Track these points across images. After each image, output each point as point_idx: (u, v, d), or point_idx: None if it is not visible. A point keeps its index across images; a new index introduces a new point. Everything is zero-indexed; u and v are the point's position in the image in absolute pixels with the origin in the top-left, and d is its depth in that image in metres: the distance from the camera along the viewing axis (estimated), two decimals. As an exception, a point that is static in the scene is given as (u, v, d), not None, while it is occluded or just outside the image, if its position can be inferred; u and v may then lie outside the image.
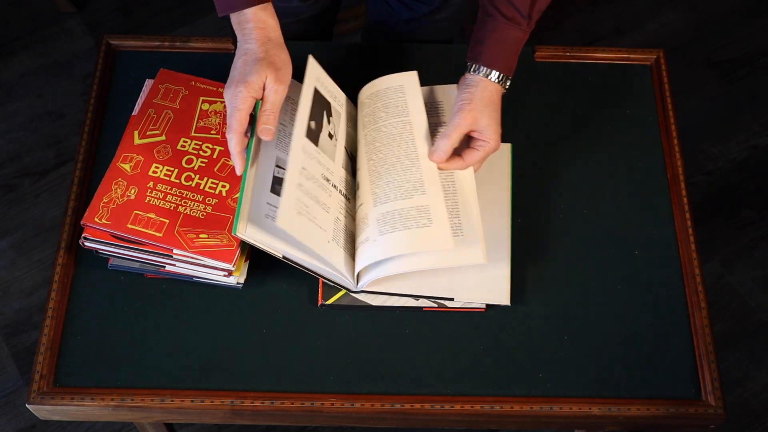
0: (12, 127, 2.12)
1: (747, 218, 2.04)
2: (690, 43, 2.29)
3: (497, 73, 1.14)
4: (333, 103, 1.19)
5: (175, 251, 1.10)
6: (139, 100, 1.24)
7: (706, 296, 1.17)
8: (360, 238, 1.11)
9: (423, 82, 1.23)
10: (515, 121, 1.30)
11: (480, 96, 1.13)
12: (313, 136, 1.13)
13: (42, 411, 1.10)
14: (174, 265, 1.13)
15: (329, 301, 1.14)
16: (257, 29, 1.10)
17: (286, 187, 1.05)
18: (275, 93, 1.09)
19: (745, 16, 2.34)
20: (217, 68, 1.31)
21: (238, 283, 1.14)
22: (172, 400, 1.08)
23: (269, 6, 1.11)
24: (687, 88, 2.20)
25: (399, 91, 1.19)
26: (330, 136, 1.16)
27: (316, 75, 1.17)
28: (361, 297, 1.14)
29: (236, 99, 1.08)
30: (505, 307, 1.15)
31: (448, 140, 1.13)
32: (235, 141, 1.08)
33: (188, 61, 1.33)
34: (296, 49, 1.34)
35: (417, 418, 1.10)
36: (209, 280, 1.14)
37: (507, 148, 1.25)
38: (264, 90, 1.09)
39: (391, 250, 1.08)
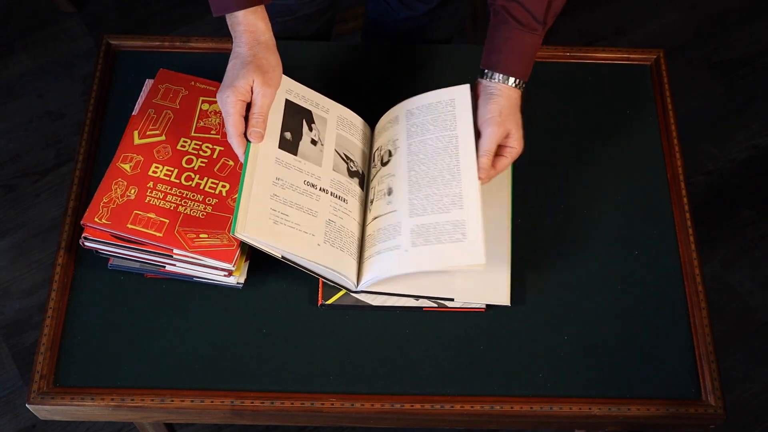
0: (12, 127, 2.12)
1: (747, 218, 2.04)
2: (690, 43, 2.29)
3: (515, 79, 1.14)
4: (315, 110, 1.20)
5: (175, 251, 1.10)
6: (139, 100, 1.24)
7: (706, 296, 1.17)
8: (387, 243, 1.11)
9: (423, 82, 1.23)
10: (515, 121, 1.30)
11: (506, 105, 1.14)
12: (291, 145, 1.15)
13: (42, 411, 1.10)
14: (174, 265, 1.13)
15: (329, 301, 1.14)
16: (247, 32, 1.12)
17: (254, 200, 1.08)
18: (263, 96, 1.11)
19: (745, 16, 2.34)
20: (217, 68, 1.30)
21: (238, 283, 1.14)
22: (172, 400, 1.08)
23: (260, 9, 1.12)
24: (687, 88, 2.20)
25: (449, 105, 1.19)
26: (313, 142, 1.17)
27: (285, 88, 1.18)
28: (361, 297, 1.14)
29: (226, 104, 1.10)
30: (505, 307, 1.15)
31: (488, 157, 1.14)
32: (236, 144, 1.11)
33: (188, 61, 1.33)
34: (296, 49, 1.34)
35: (417, 418, 1.10)
36: (209, 280, 1.14)
37: None
38: (252, 94, 1.11)
39: (422, 264, 1.09)
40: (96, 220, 1.11)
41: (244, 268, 1.15)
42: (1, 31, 2.26)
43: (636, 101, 1.33)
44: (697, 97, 2.20)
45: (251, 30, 1.12)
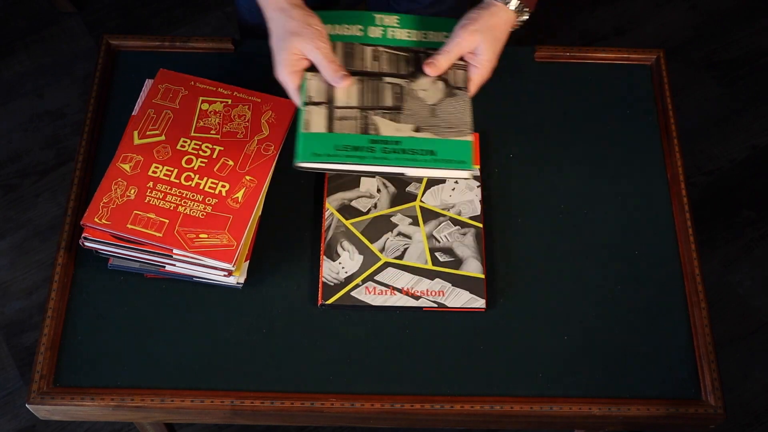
0: (12, 127, 2.12)
1: (747, 218, 2.04)
2: (690, 43, 2.29)
3: (517, 1, 1.11)
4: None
5: (175, 251, 1.10)
6: (139, 100, 1.24)
7: (706, 296, 1.17)
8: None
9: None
10: (515, 121, 1.30)
11: (487, 19, 1.10)
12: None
13: (42, 411, 1.10)
14: (174, 265, 1.13)
15: (329, 301, 1.14)
16: (268, 4, 1.10)
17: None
18: (317, 50, 1.07)
19: (745, 16, 2.34)
20: (216, 68, 1.31)
21: (238, 283, 1.14)
22: (172, 400, 1.08)
23: None
24: (687, 88, 2.21)
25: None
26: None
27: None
28: (361, 297, 1.14)
29: (282, 83, 1.09)
30: (505, 307, 1.15)
31: (447, 56, 1.10)
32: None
33: (188, 61, 1.33)
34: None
35: (417, 418, 1.10)
36: (209, 280, 1.14)
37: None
38: (307, 55, 1.08)
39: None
40: (96, 220, 1.11)
41: (244, 268, 1.15)
42: (1, 31, 2.26)
43: (636, 101, 1.33)
44: (697, 97, 2.20)
45: (273, 1, 1.09)
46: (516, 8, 1.12)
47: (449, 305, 1.14)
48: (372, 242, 1.18)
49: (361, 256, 1.16)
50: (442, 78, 1.12)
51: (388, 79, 1.12)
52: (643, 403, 1.10)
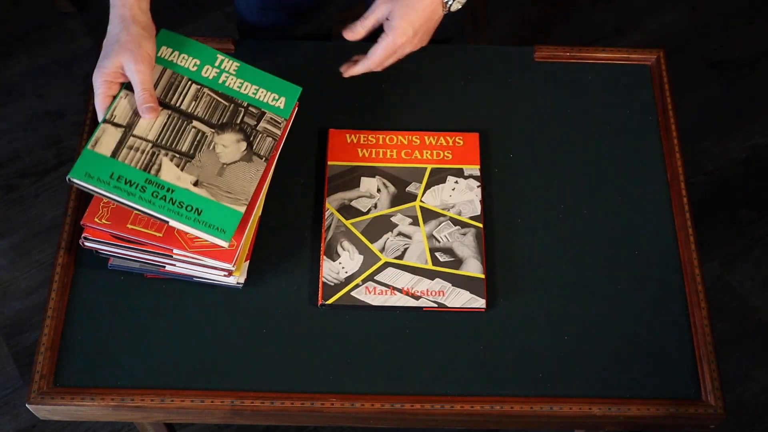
0: (12, 127, 2.12)
1: (747, 218, 2.04)
2: (690, 43, 2.29)
3: None
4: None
5: (175, 251, 1.10)
6: (139, 100, 1.23)
7: (706, 296, 1.17)
8: None
9: (422, 82, 1.23)
10: (515, 121, 1.30)
11: None
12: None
13: (42, 411, 1.10)
14: (174, 265, 1.13)
15: (329, 301, 1.14)
16: (115, 7, 1.10)
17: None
18: (137, 73, 1.08)
19: (745, 16, 2.34)
20: (217, 68, 1.31)
21: (238, 283, 1.14)
22: (172, 400, 1.08)
23: None
24: (687, 88, 2.20)
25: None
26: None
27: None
28: (361, 297, 1.14)
29: (94, 85, 1.10)
30: (505, 307, 1.15)
31: (363, 23, 1.12)
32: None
33: (188, 61, 1.33)
34: (296, 50, 1.34)
35: (417, 418, 1.10)
36: (209, 280, 1.14)
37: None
38: (125, 73, 1.09)
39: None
40: (96, 220, 1.11)
41: (244, 268, 1.15)
42: (1, 31, 2.26)
43: (636, 101, 1.33)
44: (697, 97, 2.20)
45: (118, 5, 1.10)
46: None
47: (449, 305, 1.14)
48: (372, 242, 1.18)
49: (361, 256, 1.17)
50: (247, 140, 1.12)
51: (195, 123, 1.12)
52: (643, 403, 1.10)
